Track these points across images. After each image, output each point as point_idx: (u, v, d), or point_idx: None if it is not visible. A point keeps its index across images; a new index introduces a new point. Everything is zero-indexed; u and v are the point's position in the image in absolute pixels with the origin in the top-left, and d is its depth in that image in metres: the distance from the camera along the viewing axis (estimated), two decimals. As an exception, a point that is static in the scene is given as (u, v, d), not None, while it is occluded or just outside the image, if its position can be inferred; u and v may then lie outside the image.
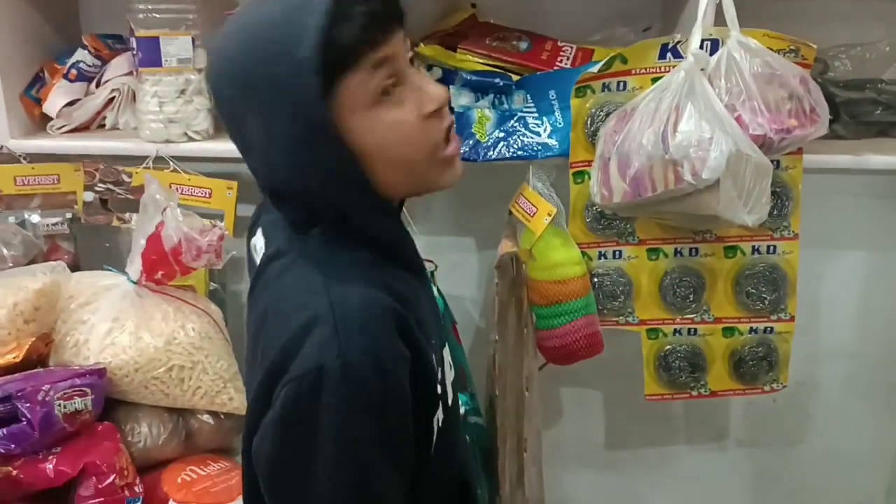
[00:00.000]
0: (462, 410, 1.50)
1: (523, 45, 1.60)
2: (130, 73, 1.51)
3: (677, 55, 1.41)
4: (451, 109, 1.46)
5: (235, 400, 1.28)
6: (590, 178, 1.45)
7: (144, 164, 1.47)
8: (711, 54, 1.36)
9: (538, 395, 1.59)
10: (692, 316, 1.56)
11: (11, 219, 1.44)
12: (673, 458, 2.01)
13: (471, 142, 1.47)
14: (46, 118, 1.53)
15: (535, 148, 1.47)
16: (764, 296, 1.52)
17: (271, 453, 0.77)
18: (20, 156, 1.47)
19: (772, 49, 1.37)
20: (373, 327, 0.76)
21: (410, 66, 0.84)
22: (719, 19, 1.36)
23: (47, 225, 1.48)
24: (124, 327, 1.22)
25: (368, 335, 0.76)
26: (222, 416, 1.30)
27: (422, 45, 1.57)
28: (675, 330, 1.57)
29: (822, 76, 1.58)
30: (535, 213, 1.46)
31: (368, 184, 0.82)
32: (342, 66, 0.77)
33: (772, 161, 1.44)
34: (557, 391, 1.98)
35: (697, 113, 1.28)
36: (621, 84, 1.43)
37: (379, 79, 0.79)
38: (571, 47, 1.59)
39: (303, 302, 0.79)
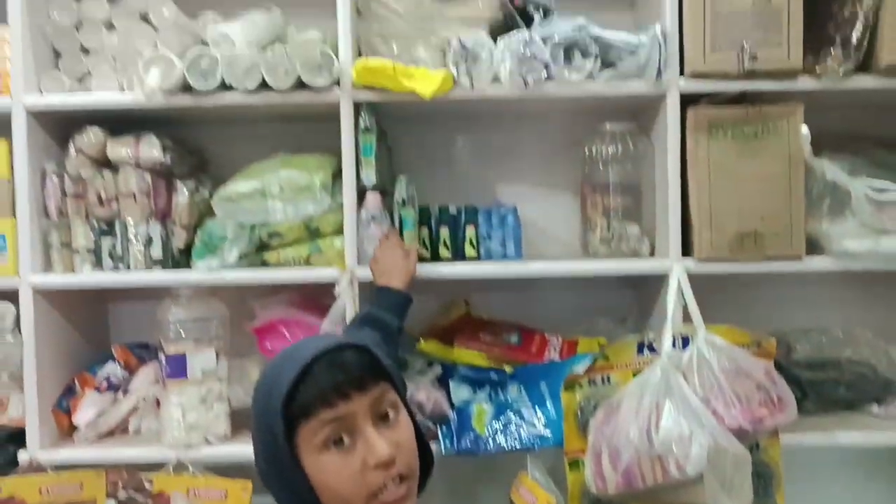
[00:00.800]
0: None
1: (514, 339, 1.76)
2: (156, 382, 1.64)
3: (653, 350, 1.57)
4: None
5: None
6: (584, 466, 1.55)
7: (164, 470, 1.56)
8: (684, 347, 1.53)
9: None
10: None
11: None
12: None
13: (472, 435, 1.58)
14: (74, 426, 1.63)
15: (532, 439, 1.57)
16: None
17: None
18: (47, 467, 1.56)
19: (736, 343, 1.54)
20: None
21: (375, 417, 1.03)
22: (688, 314, 1.54)
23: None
24: None
25: None
26: None
27: (422, 341, 1.73)
28: None
29: (786, 358, 1.74)
30: (534, 503, 1.54)
31: None
32: (300, 417, 0.99)
33: (750, 444, 1.56)
34: None
35: (676, 410, 1.41)
36: (605, 378, 1.58)
37: (328, 431, 0.99)
38: (558, 339, 1.75)
39: None
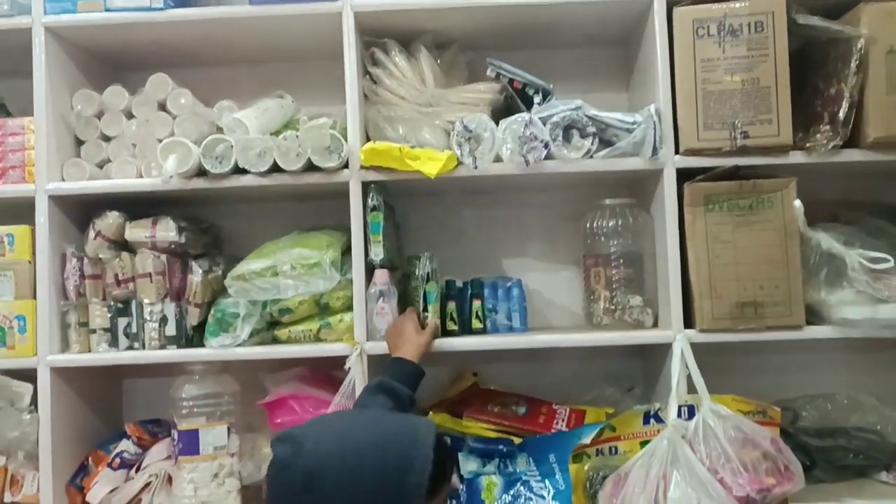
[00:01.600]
0: None
1: (521, 410, 1.78)
2: (168, 458, 1.66)
3: (659, 420, 1.59)
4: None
5: None
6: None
7: (176, 549, 1.57)
8: (690, 417, 1.54)
9: None
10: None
11: None
12: None
13: (482, 511, 1.59)
14: (88, 504, 1.65)
15: (542, 513, 1.59)
16: None
17: None
18: (60, 547, 1.57)
19: (741, 411, 1.56)
20: None
21: None
22: (692, 383, 1.56)
23: None
24: None
25: None
26: None
27: (431, 413, 1.76)
28: None
29: (793, 426, 1.75)
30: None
31: None
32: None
33: (761, 514, 1.56)
34: None
35: (683, 480, 1.42)
36: (613, 449, 1.60)
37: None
38: (565, 409, 1.77)
39: None
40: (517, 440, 1.71)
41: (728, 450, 1.49)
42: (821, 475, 1.71)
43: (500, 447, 1.68)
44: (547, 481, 1.63)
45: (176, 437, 1.60)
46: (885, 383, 1.86)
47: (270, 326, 1.69)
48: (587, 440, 1.58)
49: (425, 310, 1.65)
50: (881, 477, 1.72)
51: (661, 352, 1.68)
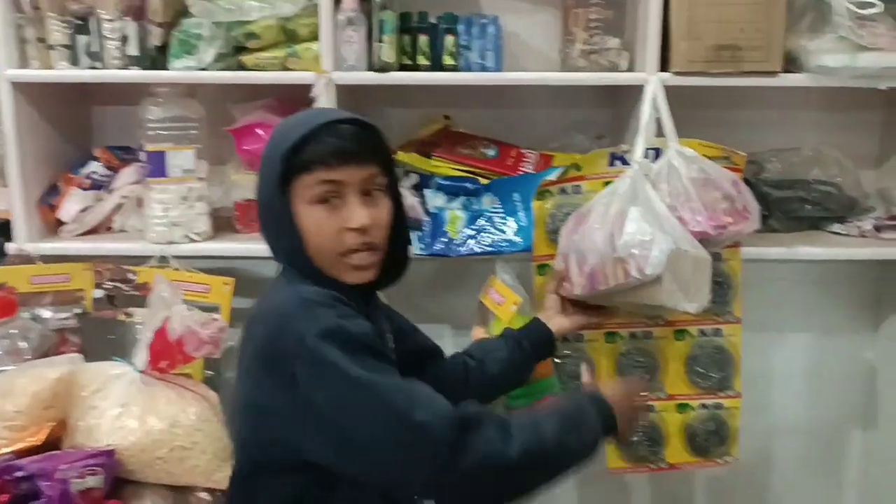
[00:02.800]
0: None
1: (491, 153, 1.79)
2: (139, 182, 1.68)
3: (625, 163, 1.61)
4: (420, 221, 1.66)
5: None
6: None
7: (149, 264, 1.63)
8: (656, 159, 1.56)
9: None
10: (648, 394, 1.70)
11: (26, 314, 1.58)
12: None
13: (444, 239, 1.64)
14: (60, 223, 1.69)
15: (502, 244, 1.64)
16: (712, 374, 1.68)
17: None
18: (35, 257, 1.62)
19: (706, 156, 1.58)
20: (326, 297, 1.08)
21: (362, 192, 1.12)
22: (662, 130, 1.57)
23: (58, 319, 1.62)
24: (132, 412, 1.34)
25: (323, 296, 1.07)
26: (218, 493, 1.41)
27: (400, 152, 1.76)
28: (633, 407, 1.71)
29: (756, 177, 1.78)
30: (503, 303, 1.62)
31: (301, 250, 1.11)
32: (301, 170, 1.09)
33: (713, 254, 1.62)
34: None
35: (640, 215, 1.46)
36: (577, 188, 1.62)
37: (321, 189, 1.10)
38: (534, 154, 1.79)
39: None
40: (484, 181, 1.74)
41: (689, 189, 1.52)
42: (776, 225, 1.77)
43: (467, 185, 1.71)
44: (510, 217, 1.68)
45: (144, 158, 1.60)
46: (853, 143, 1.86)
47: (237, 52, 1.64)
48: (552, 177, 1.60)
49: (380, 40, 1.59)
50: (833, 228, 1.78)
51: (633, 96, 1.66)
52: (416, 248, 1.63)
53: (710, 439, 1.70)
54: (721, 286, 1.66)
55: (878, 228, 1.74)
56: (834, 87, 1.60)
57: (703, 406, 1.69)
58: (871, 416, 2.01)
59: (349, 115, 1.15)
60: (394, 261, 1.22)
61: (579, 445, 1.13)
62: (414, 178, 1.73)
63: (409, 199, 1.66)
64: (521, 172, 1.75)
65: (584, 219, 1.54)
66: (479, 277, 1.69)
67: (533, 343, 1.46)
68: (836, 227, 1.78)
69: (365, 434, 1.01)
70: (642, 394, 1.43)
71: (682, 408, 1.70)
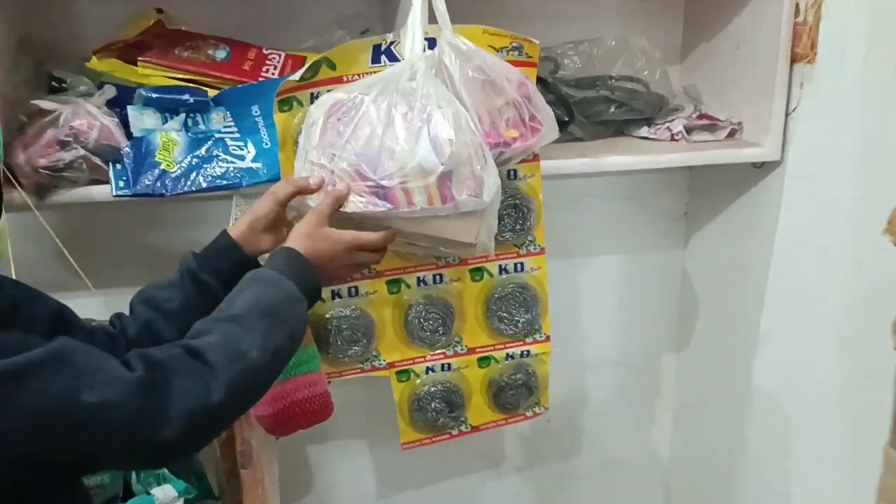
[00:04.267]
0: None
1: (221, 55, 1.36)
2: None
3: (392, 58, 1.23)
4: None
5: None
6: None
7: None
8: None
9: (268, 464, 1.35)
10: (444, 350, 1.39)
11: None
12: (451, 493, 1.85)
13: (156, 172, 1.19)
14: None
15: (238, 175, 1.22)
16: (517, 318, 1.39)
17: None
18: None
19: (493, 47, 1.24)
20: None
21: None
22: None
23: None
24: None
25: None
26: None
27: (94, 58, 1.29)
28: (427, 368, 1.39)
29: (552, 75, 1.48)
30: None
31: None
32: None
33: (509, 172, 1.31)
34: (317, 448, 1.74)
35: (455, 123, 1.09)
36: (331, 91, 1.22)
37: None
38: (279, 55, 1.38)
39: None
40: (213, 92, 1.30)
41: (463, 95, 1.17)
42: (578, 132, 1.49)
43: (186, 97, 1.26)
44: (248, 139, 1.26)
45: None
46: (656, 36, 1.60)
47: None
48: (296, 76, 1.20)
49: None
50: (641, 132, 1.53)
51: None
52: (113, 188, 1.18)
53: (518, 393, 1.42)
54: (520, 210, 1.36)
55: (688, 130, 1.51)
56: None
57: (509, 356, 1.41)
58: (684, 339, 1.84)
59: None
60: None
61: (287, 340, 0.94)
62: (111, 92, 1.26)
63: (101, 120, 1.19)
64: (262, 79, 1.33)
65: (356, 113, 1.13)
66: (208, 223, 1.27)
67: (219, 271, 1.06)
68: (644, 131, 1.53)
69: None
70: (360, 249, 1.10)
71: (484, 361, 1.41)
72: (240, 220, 1.11)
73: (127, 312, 1.05)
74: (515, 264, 1.38)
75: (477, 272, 1.37)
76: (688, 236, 1.80)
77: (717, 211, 1.67)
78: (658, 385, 1.91)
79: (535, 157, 1.34)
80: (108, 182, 1.18)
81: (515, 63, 1.27)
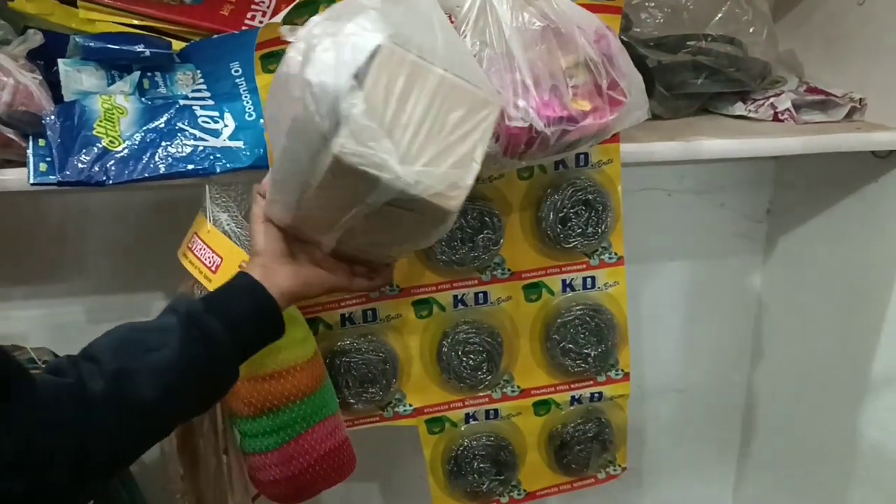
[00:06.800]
0: None
1: (190, -5, 1.01)
2: None
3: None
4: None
5: None
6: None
7: None
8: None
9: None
10: (489, 392, 1.05)
11: None
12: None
13: (93, 150, 0.84)
14: None
15: (210, 157, 0.87)
16: (586, 351, 1.05)
17: None
18: None
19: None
20: None
21: None
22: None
23: None
24: None
25: None
26: None
27: (21, -1, 0.95)
28: (467, 416, 1.06)
29: (625, 33, 1.14)
30: (218, 266, 0.86)
31: None
32: None
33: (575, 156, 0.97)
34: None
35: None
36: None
37: None
38: (270, -5, 1.03)
39: None
40: (178, 44, 0.96)
41: (514, 50, 0.82)
42: (656, 107, 1.14)
43: (141, 50, 0.91)
44: (225, 108, 0.91)
45: None
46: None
47: None
48: (279, 19, 0.84)
49: None
50: (735, 110, 1.19)
51: None
52: (31, 173, 0.82)
53: (587, 448, 1.08)
54: (591, 208, 1.02)
55: (796, 108, 1.17)
56: None
57: (575, 401, 1.07)
58: (759, 370, 1.50)
59: None
60: None
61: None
62: (36, 40, 0.90)
63: (22, 78, 0.84)
64: (246, 27, 0.98)
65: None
66: (170, 220, 0.92)
67: (233, 323, 0.71)
68: (739, 108, 1.19)
69: None
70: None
71: (542, 407, 1.07)
72: None
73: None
74: (584, 279, 1.04)
75: (533, 289, 1.03)
76: (770, 240, 1.46)
77: (814, 211, 1.34)
78: (725, 421, 1.58)
79: (615, 138, 0.99)
80: (24, 164, 0.83)
81: (592, 9, 0.92)
